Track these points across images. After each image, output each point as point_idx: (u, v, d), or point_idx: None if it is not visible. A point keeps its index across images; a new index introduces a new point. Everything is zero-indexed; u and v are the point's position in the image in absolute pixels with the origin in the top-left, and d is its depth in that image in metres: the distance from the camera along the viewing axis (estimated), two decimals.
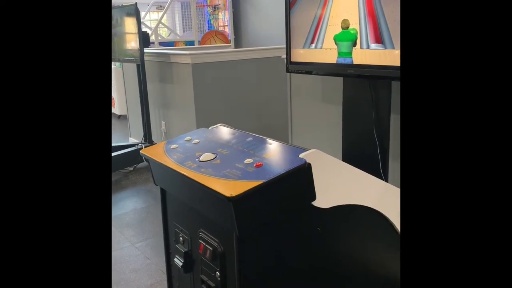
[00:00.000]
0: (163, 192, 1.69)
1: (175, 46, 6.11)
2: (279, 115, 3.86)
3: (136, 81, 4.38)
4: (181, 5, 7.35)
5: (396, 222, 1.52)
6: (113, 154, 3.79)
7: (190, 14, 6.59)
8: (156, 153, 1.63)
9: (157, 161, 1.54)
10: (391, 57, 1.62)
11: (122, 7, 3.82)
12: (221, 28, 7.42)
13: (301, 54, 2.01)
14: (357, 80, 1.88)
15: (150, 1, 6.64)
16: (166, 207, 1.71)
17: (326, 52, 1.88)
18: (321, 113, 2.45)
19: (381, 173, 1.83)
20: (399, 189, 1.41)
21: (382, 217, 1.51)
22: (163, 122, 4.10)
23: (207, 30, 7.18)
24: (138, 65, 3.86)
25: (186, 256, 1.55)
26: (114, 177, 3.78)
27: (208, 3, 7.47)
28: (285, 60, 2.12)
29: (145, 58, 3.82)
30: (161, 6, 7.13)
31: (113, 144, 4.08)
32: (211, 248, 1.39)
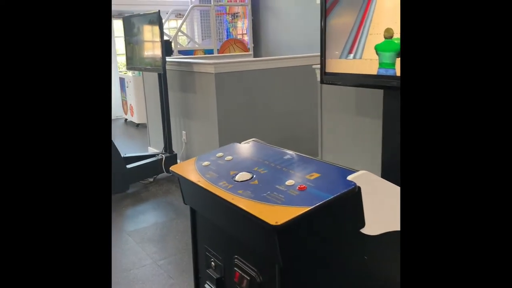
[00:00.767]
0: (193, 212, 1.59)
1: (194, 54, 6.05)
2: (305, 127, 3.74)
3: (157, 90, 4.31)
4: (200, 13, 7.31)
5: None
6: (134, 164, 3.71)
7: (209, 22, 6.54)
8: (187, 170, 1.52)
9: (189, 180, 1.43)
10: None
11: (144, 15, 3.76)
12: (239, 36, 7.35)
13: (337, 64, 1.90)
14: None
15: (169, 9, 6.61)
16: (196, 228, 1.60)
17: (366, 62, 1.76)
18: (355, 127, 2.32)
19: None
20: None
21: None
22: (184, 132, 4.02)
23: (225, 38, 7.12)
24: (159, 74, 3.79)
25: (219, 284, 1.43)
26: (134, 188, 3.70)
27: (227, 11, 7.42)
28: (319, 70, 2.00)
29: (167, 67, 3.75)
30: (180, 14, 7.10)
31: (132, 154, 4.01)
32: (248, 278, 1.28)
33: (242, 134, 3.55)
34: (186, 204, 1.59)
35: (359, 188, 1.18)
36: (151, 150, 4.71)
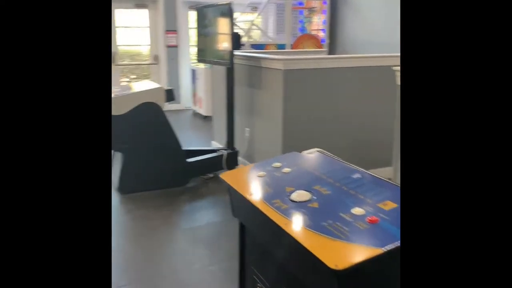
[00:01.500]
0: (242, 228, 1.41)
1: (266, 49, 5.89)
2: (378, 133, 3.42)
3: (224, 83, 4.21)
4: (277, 7, 7.13)
5: None
6: (194, 159, 3.63)
7: (284, 16, 6.34)
8: (239, 180, 1.34)
9: (239, 193, 1.25)
10: None
11: (216, 6, 3.65)
12: (314, 32, 7.07)
13: None
14: None
15: (245, 1, 6.50)
16: (245, 245, 1.42)
17: None
18: None
19: None
20: None
21: None
22: (247, 129, 3.87)
23: (299, 33, 6.87)
24: (227, 68, 3.67)
25: None
26: (193, 183, 3.62)
27: (305, 5, 7.16)
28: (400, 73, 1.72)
29: (235, 61, 3.62)
30: (256, 7, 6.96)
31: (195, 148, 3.94)
32: None
33: (308, 137, 3.32)
34: (235, 217, 1.41)
35: None
36: (214, 145, 4.64)
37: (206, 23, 3.84)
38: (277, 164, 1.38)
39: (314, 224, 0.99)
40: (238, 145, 4.05)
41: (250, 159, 3.87)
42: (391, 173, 2.58)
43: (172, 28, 6.86)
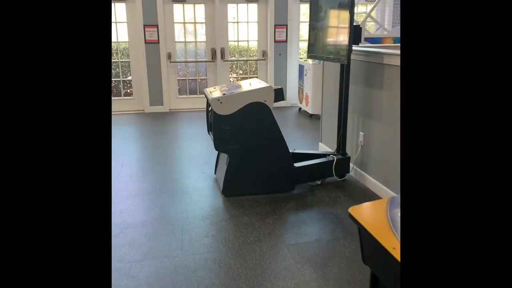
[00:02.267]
0: (374, 280, 1.09)
1: (381, 43, 5.37)
2: None
3: (337, 81, 3.86)
4: None
5: None
6: (302, 164, 3.36)
7: None
8: (374, 221, 1.03)
9: (377, 241, 0.94)
10: None
11: None
12: None
13: None
14: None
15: None
16: None
17: None
18: None
19: None
20: None
21: None
22: (361, 133, 3.48)
23: None
24: (342, 65, 3.32)
25: None
26: (299, 189, 3.36)
27: None
28: None
29: (351, 56, 3.25)
30: None
31: (301, 151, 3.67)
32: None
33: None
34: (365, 264, 1.10)
35: None
36: (322, 147, 4.32)
37: (321, 16, 3.52)
38: None
39: None
40: (349, 150, 3.69)
41: (364, 167, 3.48)
42: None
43: (282, 22, 6.67)
